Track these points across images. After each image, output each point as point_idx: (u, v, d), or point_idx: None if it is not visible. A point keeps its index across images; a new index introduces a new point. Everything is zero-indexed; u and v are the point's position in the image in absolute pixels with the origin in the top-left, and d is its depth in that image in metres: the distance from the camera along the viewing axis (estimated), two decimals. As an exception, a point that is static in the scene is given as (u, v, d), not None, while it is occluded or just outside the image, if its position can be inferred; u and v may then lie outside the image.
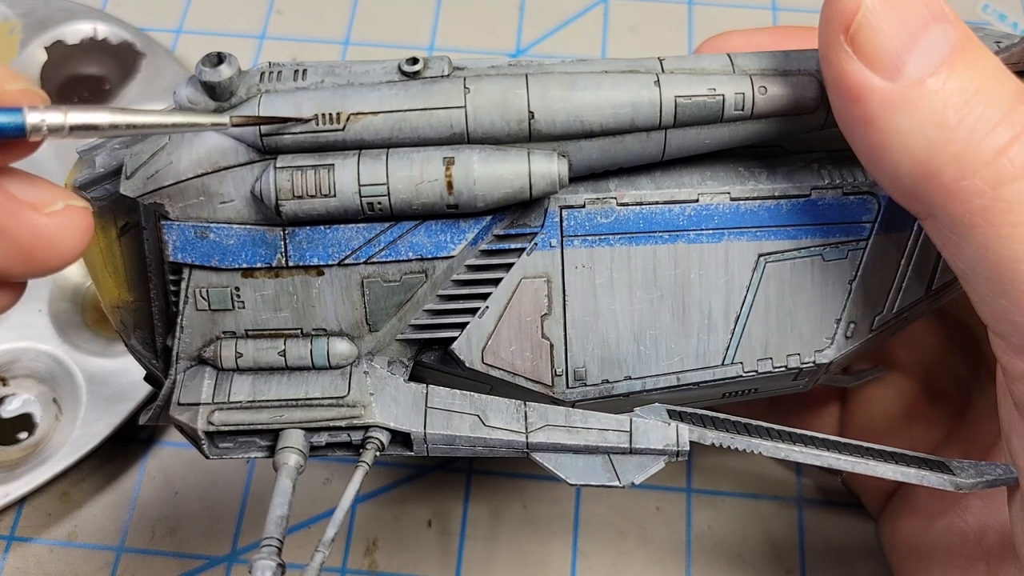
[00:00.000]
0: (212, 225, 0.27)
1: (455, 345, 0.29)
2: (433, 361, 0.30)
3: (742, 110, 0.27)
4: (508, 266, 0.28)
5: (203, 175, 0.27)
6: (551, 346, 0.29)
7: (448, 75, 0.27)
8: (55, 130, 0.22)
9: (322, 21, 0.58)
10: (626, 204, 0.28)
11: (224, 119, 0.25)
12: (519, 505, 0.43)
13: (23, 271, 0.24)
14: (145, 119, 0.24)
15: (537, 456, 0.28)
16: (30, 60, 0.53)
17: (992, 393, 0.29)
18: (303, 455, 0.27)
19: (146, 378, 0.32)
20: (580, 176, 0.28)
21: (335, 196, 0.26)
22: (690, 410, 0.30)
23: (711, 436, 0.29)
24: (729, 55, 0.28)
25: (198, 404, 0.28)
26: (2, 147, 0.23)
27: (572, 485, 0.29)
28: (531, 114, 0.26)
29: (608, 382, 0.29)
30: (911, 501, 0.38)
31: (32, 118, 0.22)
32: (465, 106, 0.26)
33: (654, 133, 0.27)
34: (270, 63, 0.28)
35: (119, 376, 0.44)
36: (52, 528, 0.43)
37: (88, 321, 0.47)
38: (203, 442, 0.28)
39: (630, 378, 0.29)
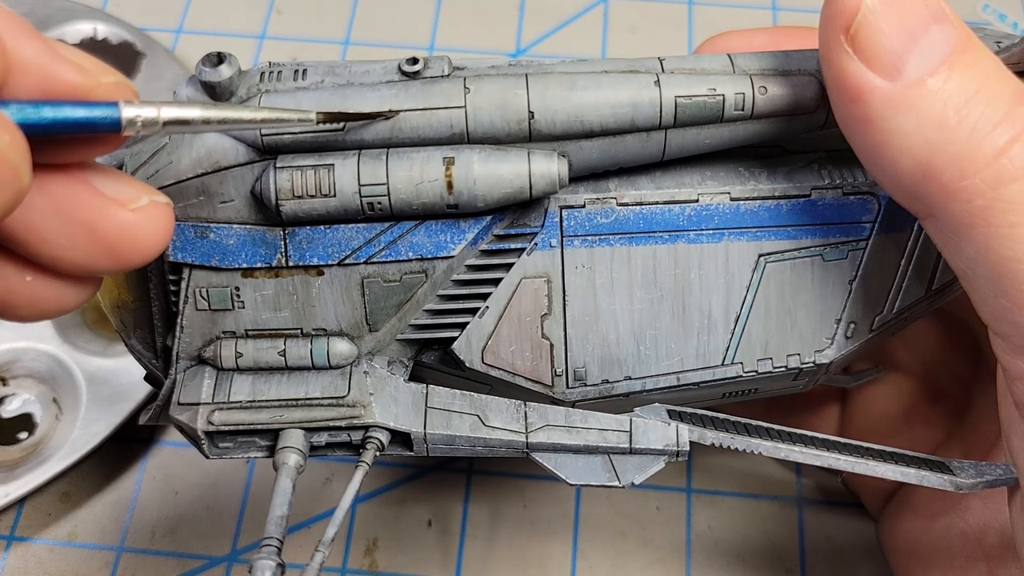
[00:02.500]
0: (212, 225, 0.27)
1: (455, 345, 0.29)
2: (433, 361, 0.30)
3: (742, 110, 0.27)
4: (508, 266, 0.28)
5: (203, 175, 0.27)
6: (551, 346, 0.29)
7: (448, 75, 0.27)
8: (148, 125, 0.22)
9: (322, 21, 0.58)
10: (626, 204, 0.28)
11: (311, 115, 0.25)
12: (519, 505, 0.43)
13: (106, 266, 0.23)
14: (235, 114, 0.24)
15: (537, 456, 0.28)
16: (30, 60, 0.53)
17: (992, 393, 0.29)
18: (303, 455, 0.27)
19: (146, 378, 0.32)
20: (580, 176, 0.28)
21: (335, 196, 0.26)
22: (690, 410, 0.30)
23: (711, 436, 0.29)
24: (729, 55, 0.28)
25: (198, 404, 0.28)
26: (91, 141, 0.22)
27: (572, 485, 0.29)
28: (531, 114, 0.26)
29: (608, 382, 0.29)
30: (911, 501, 0.38)
31: (128, 113, 0.22)
32: (465, 106, 0.26)
33: (654, 133, 0.27)
34: (270, 63, 0.28)
35: (119, 376, 0.44)
36: (52, 528, 0.43)
37: (88, 321, 0.47)
38: (203, 442, 0.28)
39: (630, 378, 0.29)
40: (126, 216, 0.23)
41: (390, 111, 0.26)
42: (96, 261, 0.23)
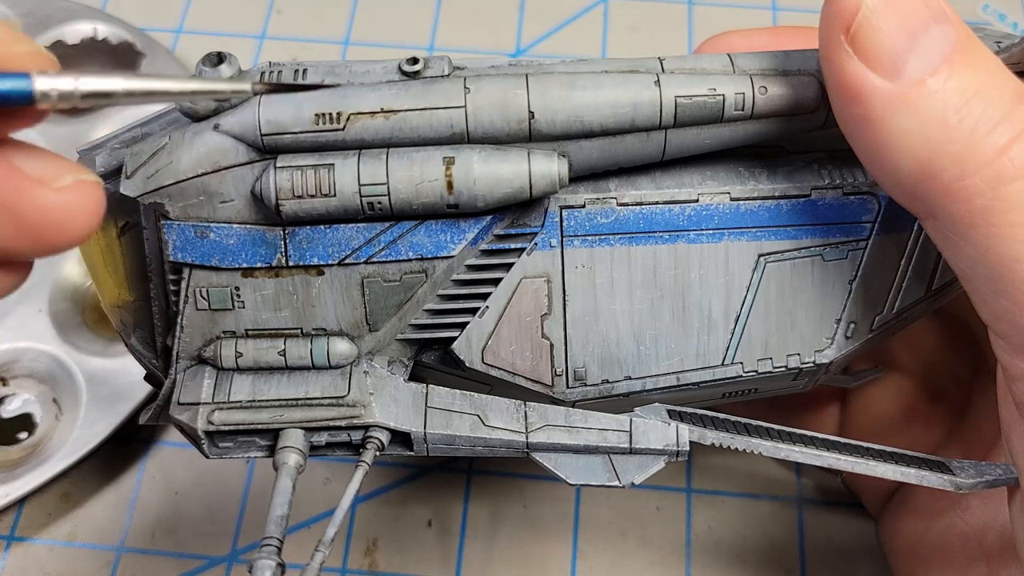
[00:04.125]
0: (212, 225, 0.27)
1: (455, 345, 0.29)
2: (433, 361, 0.30)
3: (742, 110, 0.27)
4: (508, 266, 0.28)
5: (203, 175, 0.27)
6: (551, 346, 0.29)
7: (448, 75, 0.27)
8: (66, 97, 0.21)
9: (322, 21, 0.58)
10: (626, 204, 0.28)
11: (245, 85, 0.24)
12: (519, 505, 0.43)
13: (29, 250, 0.22)
14: (162, 85, 0.22)
15: (537, 456, 0.28)
16: (30, 60, 0.53)
17: (992, 393, 0.29)
18: (303, 455, 0.27)
19: (146, 378, 0.32)
20: (580, 176, 0.28)
21: (335, 196, 0.26)
22: (690, 410, 0.30)
23: (711, 436, 0.29)
24: (729, 55, 0.28)
25: (198, 404, 0.28)
26: (6, 115, 0.21)
27: (572, 485, 0.29)
28: (531, 114, 0.26)
29: (608, 382, 0.29)
30: (911, 501, 0.38)
31: (41, 84, 0.20)
32: (465, 106, 0.26)
33: (654, 133, 0.27)
34: (270, 63, 0.28)
35: (119, 376, 0.44)
36: (52, 528, 0.43)
37: (88, 321, 0.47)
38: (203, 442, 0.28)
39: (630, 378, 0.29)
40: (49, 196, 0.22)
41: (328, 84, 0.26)
42: (18, 245, 0.22)
